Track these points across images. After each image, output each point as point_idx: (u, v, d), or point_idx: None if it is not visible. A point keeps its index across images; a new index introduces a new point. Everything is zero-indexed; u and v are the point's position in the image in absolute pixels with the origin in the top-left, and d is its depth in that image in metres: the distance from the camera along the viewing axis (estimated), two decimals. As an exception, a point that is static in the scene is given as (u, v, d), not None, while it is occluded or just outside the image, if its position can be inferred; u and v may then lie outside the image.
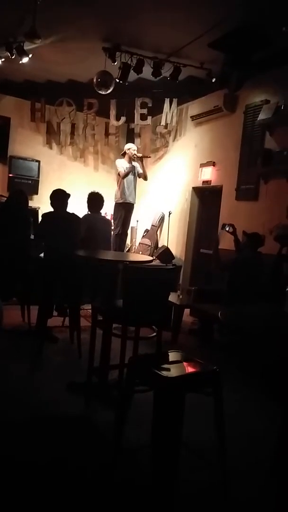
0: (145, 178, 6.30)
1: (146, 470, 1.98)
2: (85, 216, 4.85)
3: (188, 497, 1.97)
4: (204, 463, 2.10)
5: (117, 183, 6.16)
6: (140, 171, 6.16)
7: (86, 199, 5.00)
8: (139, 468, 2.14)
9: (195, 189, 6.37)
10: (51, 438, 2.37)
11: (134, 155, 6.02)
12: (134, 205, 6.27)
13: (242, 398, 3.06)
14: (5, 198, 5.58)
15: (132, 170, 6.06)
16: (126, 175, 5.96)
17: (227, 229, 4.67)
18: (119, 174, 6.07)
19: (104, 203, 5.05)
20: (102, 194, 5.05)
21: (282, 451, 2.02)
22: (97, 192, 5.00)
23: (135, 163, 6.11)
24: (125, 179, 6.03)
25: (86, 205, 4.92)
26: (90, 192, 5.02)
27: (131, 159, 6.05)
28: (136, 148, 6.19)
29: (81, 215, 4.52)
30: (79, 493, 1.92)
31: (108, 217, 6.39)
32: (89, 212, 4.94)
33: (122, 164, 6.04)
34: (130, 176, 6.08)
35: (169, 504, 1.86)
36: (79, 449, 2.29)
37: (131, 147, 6.11)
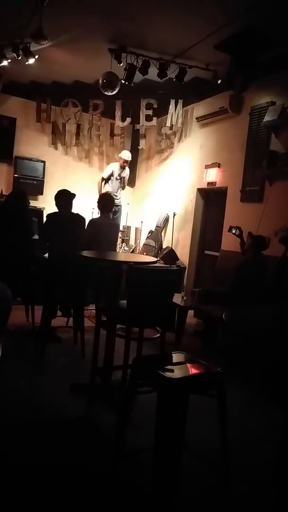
0: (123, 187, 6.94)
1: (148, 472, 1.97)
2: (91, 220, 4.84)
3: (190, 499, 1.96)
4: (206, 465, 2.09)
5: (98, 185, 6.84)
6: (125, 177, 6.81)
7: (91, 200, 5.02)
8: (141, 469, 2.13)
9: (200, 191, 6.36)
10: (53, 438, 2.37)
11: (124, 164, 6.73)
12: (122, 206, 6.92)
13: (244, 400, 3.05)
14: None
15: (120, 176, 6.74)
16: (103, 181, 6.80)
17: (233, 231, 4.67)
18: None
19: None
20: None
21: (284, 456, 2.00)
22: (105, 193, 5.01)
23: (125, 171, 6.72)
24: (112, 183, 6.70)
25: (91, 205, 4.95)
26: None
27: (122, 166, 6.72)
28: (127, 157, 6.76)
29: (86, 215, 4.52)
30: (80, 494, 1.92)
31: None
32: (99, 214, 4.92)
33: (112, 168, 6.75)
34: (116, 181, 6.72)
35: (170, 506, 1.86)
36: (81, 450, 2.29)
37: (124, 158, 6.71)
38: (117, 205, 6.66)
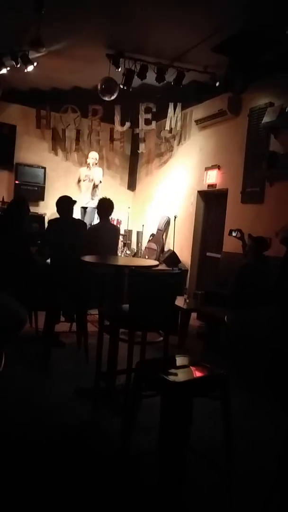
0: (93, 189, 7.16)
1: (153, 475, 1.97)
2: (90, 227, 4.77)
3: (193, 500, 1.96)
4: (210, 467, 2.09)
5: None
6: (95, 179, 7.01)
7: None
8: (147, 472, 2.13)
9: (201, 193, 6.37)
10: (59, 443, 2.37)
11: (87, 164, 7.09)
12: (94, 208, 6.94)
13: (248, 402, 3.04)
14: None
15: (87, 178, 7.04)
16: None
17: (234, 234, 4.67)
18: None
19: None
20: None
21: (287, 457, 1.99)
22: (104, 198, 4.84)
23: (92, 171, 6.94)
24: (81, 185, 7.12)
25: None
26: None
27: (89, 167, 7.00)
28: (95, 157, 7.11)
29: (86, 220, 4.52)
30: (86, 498, 1.92)
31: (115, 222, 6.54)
32: (98, 220, 4.81)
33: (81, 172, 7.17)
34: (87, 183, 6.98)
35: (175, 507, 1.86)
36: (87, 453, 2.29)
37: (90, 157, 7.07)
38: (85, 207, 6.86)
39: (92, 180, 6.96)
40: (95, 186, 6.99)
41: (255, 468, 2.23)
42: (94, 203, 6.79)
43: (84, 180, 7.04)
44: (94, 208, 6.83)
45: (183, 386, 1.88)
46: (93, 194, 6.99)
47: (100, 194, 7.00)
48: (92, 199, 6.90)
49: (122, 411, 2.66)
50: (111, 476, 2.08)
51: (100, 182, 7.07)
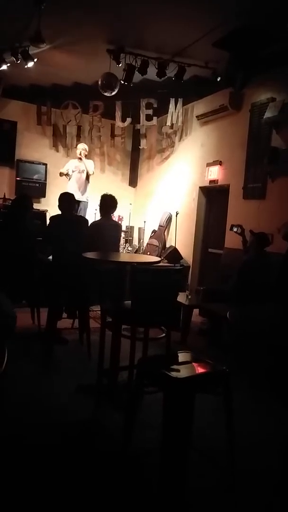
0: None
1: (155, 472, 1.98)
2: (92, 224, 4.66)
3: (195, 498, 1.96)
4: (212, 464, 2.10)
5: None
6: (89, 169, 6.76)
7: (92, 201, 4.97)
8: (149, 469, 2.14)
9: (202, 189, 6.35)
10: (61, 440, 2.38)
11: (80, 156, 6.77)
12: (85, 202, 6.79)
13: (250, 398, 3.04)
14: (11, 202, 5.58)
15: (77, 169, 6.73)
16: (61, 174, 6.80)
17: (235, 230, 4.66)
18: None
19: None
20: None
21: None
22: (106, 195, 4.68)
23: (83, 162, 6.71)
24: (71, 177, 6.76)
25: (93, 206, 4.86)
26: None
27: (80, 158, 6.75)
28: (84, 148, 6.84)
29: (87, 217, 4.51)
30: (87, 497, 1.93)
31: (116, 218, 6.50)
32: (100, 217, 4.74)
33: (69, 163, 6.85)
34: (77, 174, 6.72)
35: (177, 505, 1.86)
36: (89, 451, 2.30)
37: (80, 148, 6.81)
38: (79, 201, 6.54)
39: (83, 171, 6.72)
40: (87, 178, 6.78)
41: (257, 466, 2.23)
42: (86, 197, 6.72)
43: (73, 171, 6.75)
44: (86, 202, 6.73)
45: (186, 382, 1.88)
46: (85, 186, 6.77)
47: (92, 188, 6.85)
48: (86, 191, 6.75)
49: (125, 408, 2.67)
50: (112, 474, 2.09)
51: (93, 173, 6.86)
